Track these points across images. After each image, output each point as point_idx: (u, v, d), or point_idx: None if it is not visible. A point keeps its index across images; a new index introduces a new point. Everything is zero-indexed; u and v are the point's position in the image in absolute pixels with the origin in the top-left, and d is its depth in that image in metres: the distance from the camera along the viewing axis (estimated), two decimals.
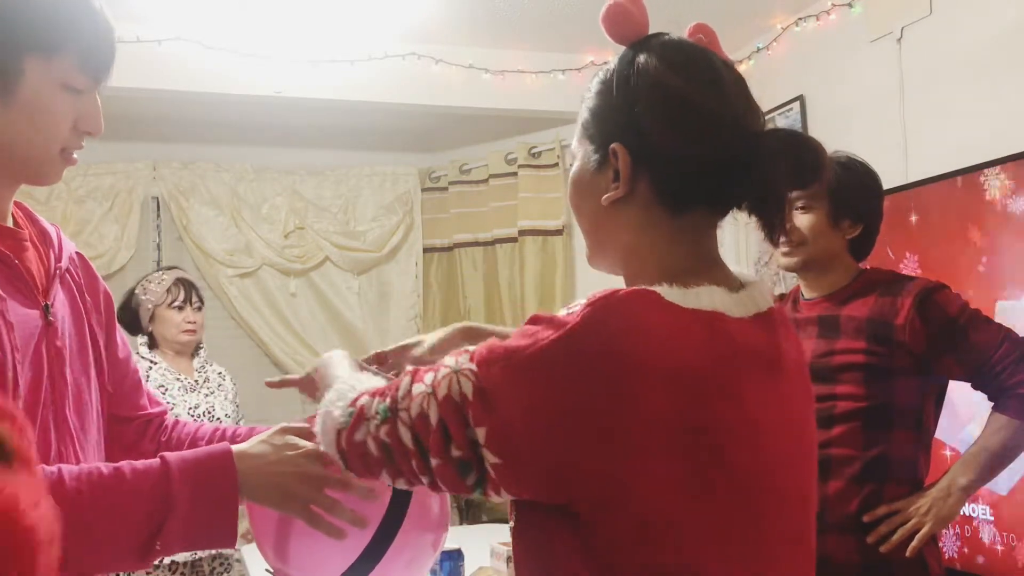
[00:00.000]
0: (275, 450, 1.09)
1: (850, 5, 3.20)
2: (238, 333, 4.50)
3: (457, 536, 2.45)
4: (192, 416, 2.94)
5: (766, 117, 3.61)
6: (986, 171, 2.55)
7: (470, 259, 4.77)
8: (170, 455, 1.05)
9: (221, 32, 3.57)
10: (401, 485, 0.94)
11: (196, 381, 3.08)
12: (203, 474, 1.04)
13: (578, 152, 0.99)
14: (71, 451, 1.11)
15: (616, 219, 0.95)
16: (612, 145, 0.93)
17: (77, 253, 1.23)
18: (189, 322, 3.09)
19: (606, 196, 0.94)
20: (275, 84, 3.67)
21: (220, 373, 3.21)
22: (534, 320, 0.85)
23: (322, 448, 1.01)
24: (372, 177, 4.76)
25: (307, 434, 1.11)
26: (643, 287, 0.85)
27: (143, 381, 1.36)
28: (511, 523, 0.93)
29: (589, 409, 0.79)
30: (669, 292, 0.85)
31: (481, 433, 0.82)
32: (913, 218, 2.80)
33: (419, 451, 0.87)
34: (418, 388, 0.88)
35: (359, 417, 0.94)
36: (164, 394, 2.96)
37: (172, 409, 2.93)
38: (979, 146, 2.63)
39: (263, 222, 4.53)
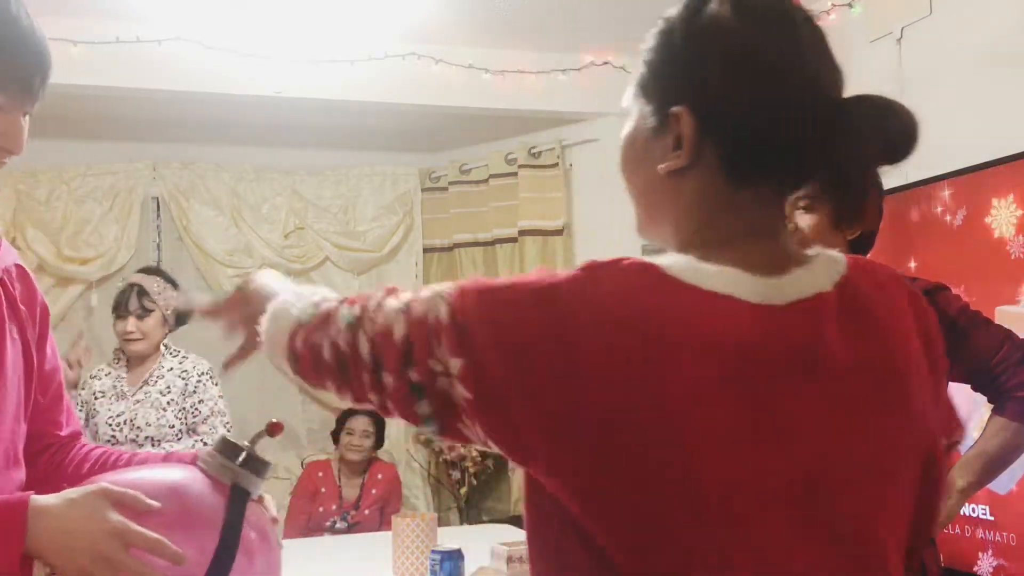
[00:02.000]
0: (80, 517, 1.01)
1: (850, 5, 3.20)
2: None
3: (457, 536, 2.45)
4: (110, 425, 2.90)
5: None
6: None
7: (470, 259, 4.77)
8: None
9: (221, 32, 3.56)
10: (346, 399, 0.87)
11: (134, 387, 2.98)
12: None
13: (632, 110, 0.87)
14: None
15: (672, 189, 0.84)
16: (674, 108, 0.81)
17: (16, 265, 1.24)
18: (127, 332, 2.96)
19: (664, 165, 0.82)
20: (275, 84, 3.67)
21: (187, 374, 3.00)
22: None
23: (265, 351, 0.94)
24: (372, 177, 4.75)
25: (127, 501, 1.03)
26: (645, 260, 0.76)
27: (68, 394, 1.36)
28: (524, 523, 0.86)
29: (550, 364, 0.72)
30: (674, 264, 0.76)
31: (456, 365, 0.75)
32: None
33: (374, 366, 0.81)
34: (391, 303, 0.82)
35: (324, 319, 0.87)
36: (96, 400, 2.95)
37: (94, 417, 2.93)
38: (979, 146, 2.63)
39: (263, 222, 4.53)
